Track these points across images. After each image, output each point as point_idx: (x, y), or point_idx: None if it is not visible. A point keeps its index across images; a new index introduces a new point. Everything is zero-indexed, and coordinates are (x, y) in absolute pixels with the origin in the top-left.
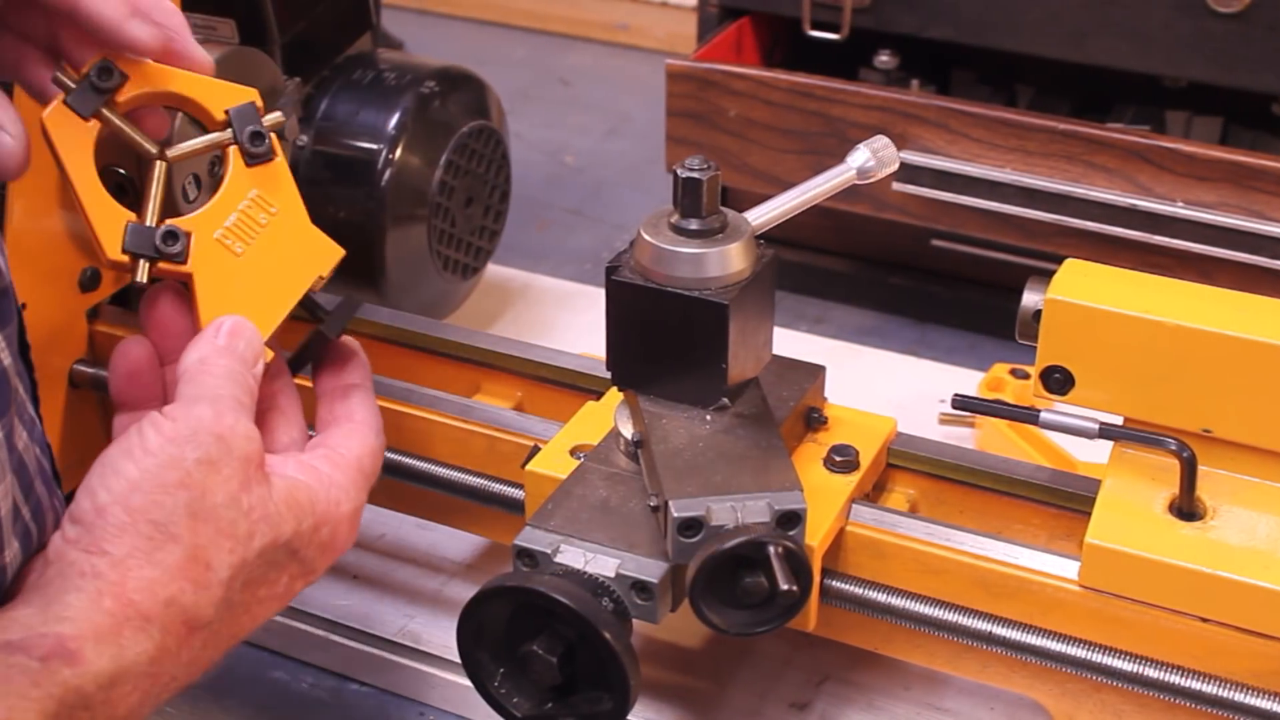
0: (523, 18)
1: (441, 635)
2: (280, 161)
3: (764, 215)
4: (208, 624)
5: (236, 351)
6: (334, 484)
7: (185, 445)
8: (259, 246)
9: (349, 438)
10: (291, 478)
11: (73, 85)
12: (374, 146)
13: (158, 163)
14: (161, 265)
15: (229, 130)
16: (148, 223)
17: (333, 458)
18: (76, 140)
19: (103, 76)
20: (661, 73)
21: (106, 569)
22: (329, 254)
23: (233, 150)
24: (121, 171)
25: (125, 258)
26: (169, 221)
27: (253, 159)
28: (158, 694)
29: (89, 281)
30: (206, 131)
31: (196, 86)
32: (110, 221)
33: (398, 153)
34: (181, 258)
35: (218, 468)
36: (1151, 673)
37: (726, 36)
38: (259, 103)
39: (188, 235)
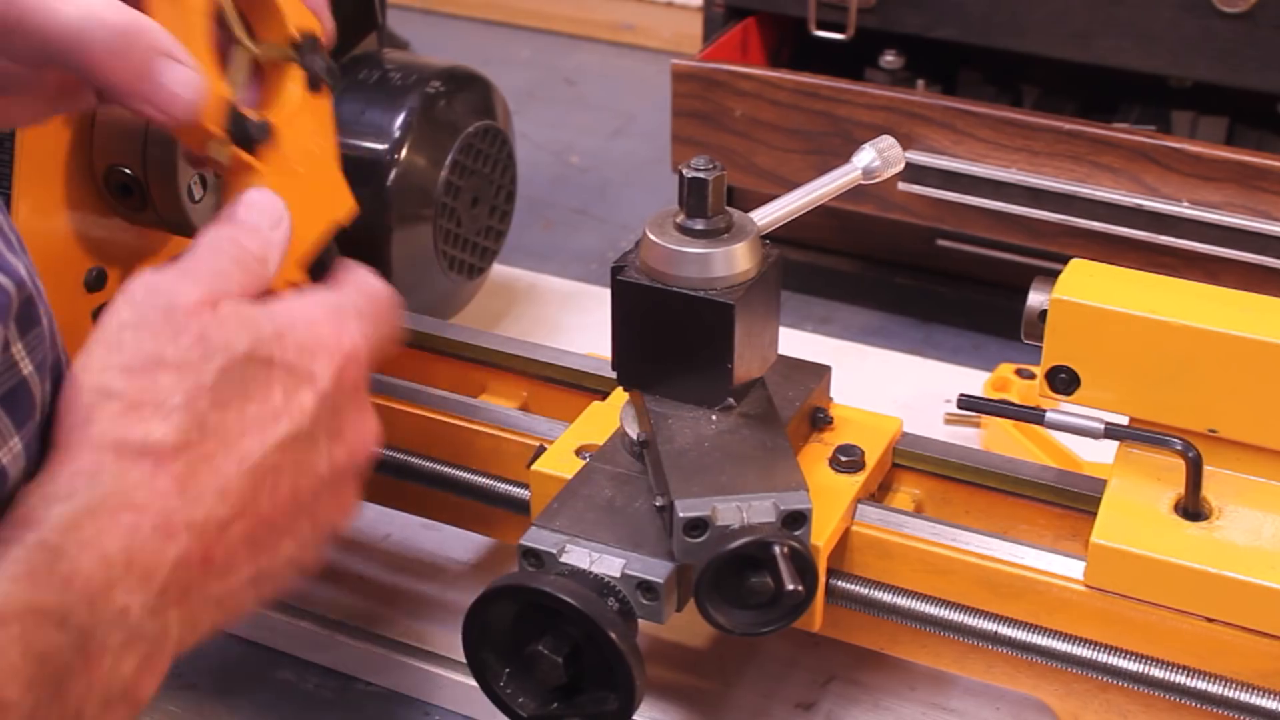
0: (528, 18)
1: (447, 635)
2: (329, 100)
3: (770, 215)
4: (179, 447)
5: (236, 219)
6: (294, 298)
7: (122, 310)
8: (306, 173)
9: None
10: (238, 302)
11: None
12: (379, 146)
13: (241, 51)
14: (241, 153)
15: (295, 51)
16: (234, 100)
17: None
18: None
19: None
20: (667, 73)
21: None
22: (347, 204)
23: (296, 75)
24: (126, 171)
25: (217, 131)
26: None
27: (315, 87)
28: (168, 527)
29: (95, 281)
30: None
31: None
32: (214, 87)
33: (403, 153)
34: (258, 145)
35: (143, 314)
36: (1157, 673)
37: (732, 36)
38: (321, 36)
39: (271, 131)
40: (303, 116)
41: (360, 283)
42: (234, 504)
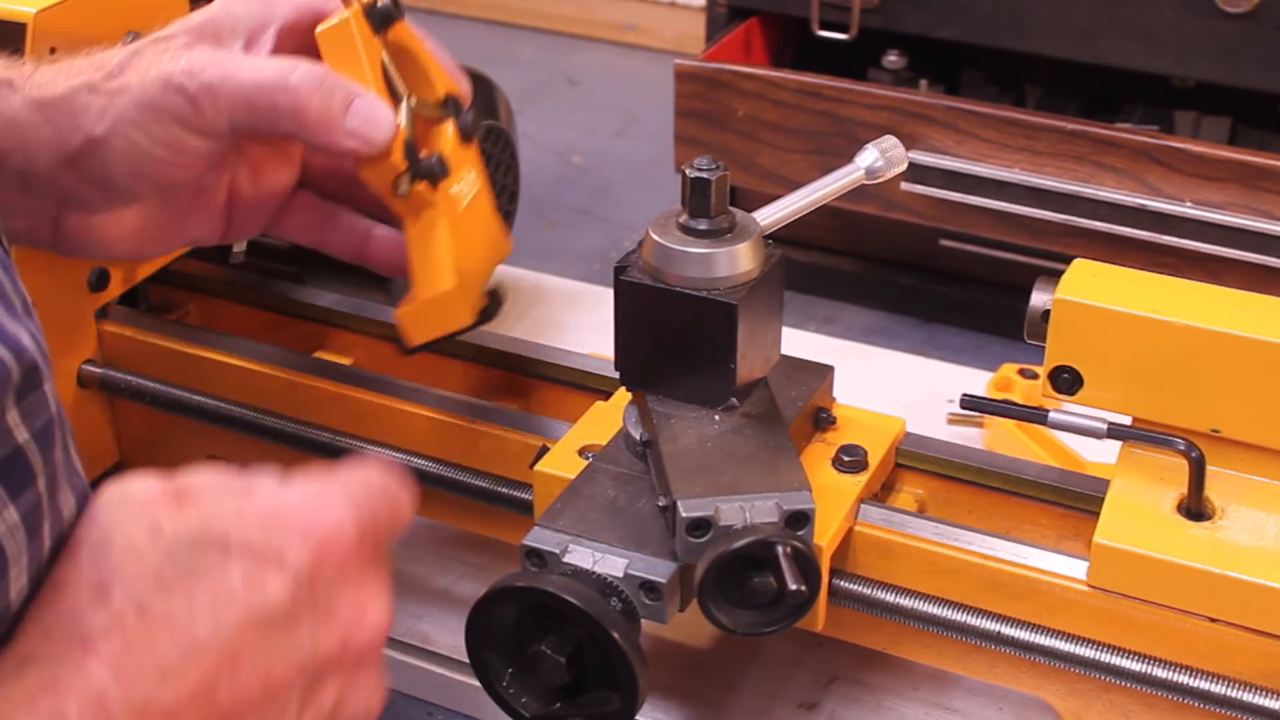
0: (531, 18)
1: (450, 635)
2: (477, 150)
3: (772, 215)
4: (111, 628)
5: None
6: (269, 484)
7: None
8: (470, 214)
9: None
10: (200, 490)
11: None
12: None
13: (404, 103)
14: (422, 188)
15: (444, 107)
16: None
17: None
18: (370, 48)
19: (398, 8)
20: (670, 73)
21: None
22: (506, 246)
23: (448, 127)
24: None
25: (401, 165)
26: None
27: (467, 138)
28: (99, 706)
29: (97, 281)
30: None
31: (429, 60)
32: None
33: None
34: (438, 179)
35: (102, 508)
36: (1160, 673)
37: (735, 36)
38: (462, 98)
39: (448, 165)
40: (459, 162)
41: (358, 469)
42: (180, 687)
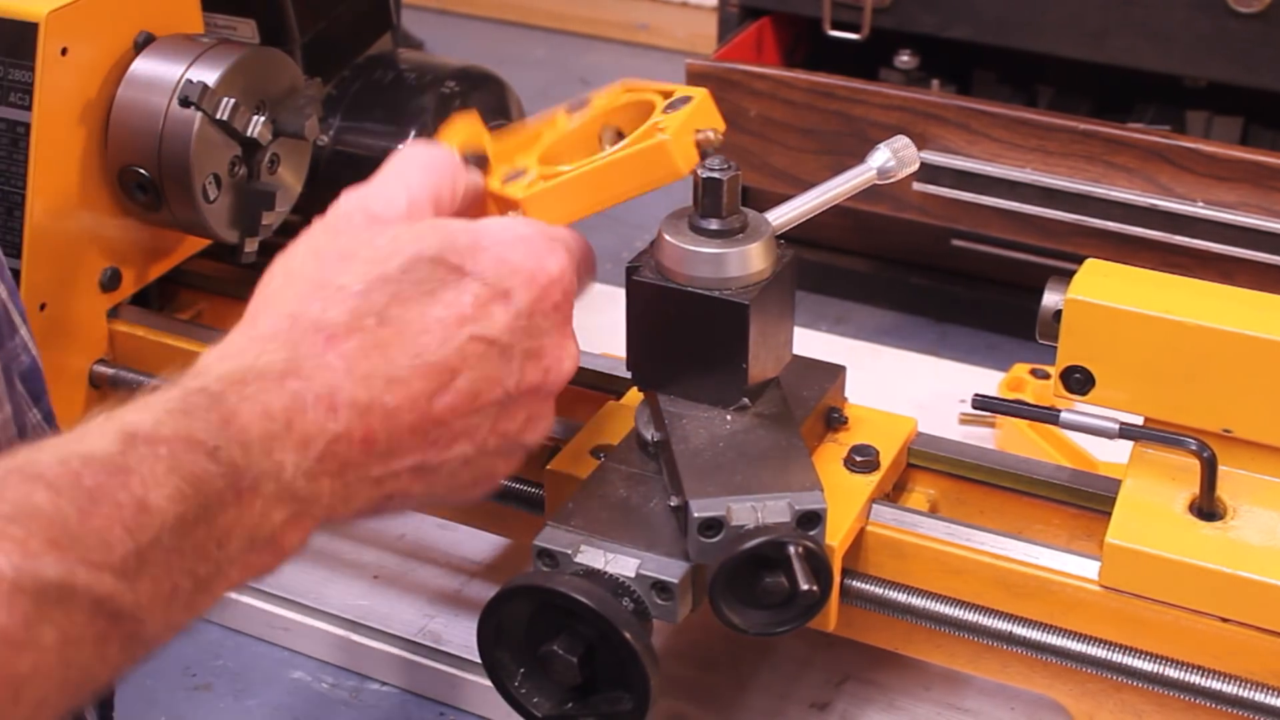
0: (543, 18)
1: (462, 635)
2: None
3: (784, 215)
4: (352, 329)
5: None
6: (500, 221)
7: (327, 215)
8: None
9: None
10: (439, 218)
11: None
12: (394, 146)
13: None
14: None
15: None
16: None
17: None
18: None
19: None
20: (681, 73)
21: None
22: None
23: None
24: (141, 171)
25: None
26: None
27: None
28: (330, 401)
29: (109, 281)
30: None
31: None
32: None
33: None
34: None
35: (348, 219)
36: (1172, 673)
37: (747, 36)
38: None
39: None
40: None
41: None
42: (403, 395)
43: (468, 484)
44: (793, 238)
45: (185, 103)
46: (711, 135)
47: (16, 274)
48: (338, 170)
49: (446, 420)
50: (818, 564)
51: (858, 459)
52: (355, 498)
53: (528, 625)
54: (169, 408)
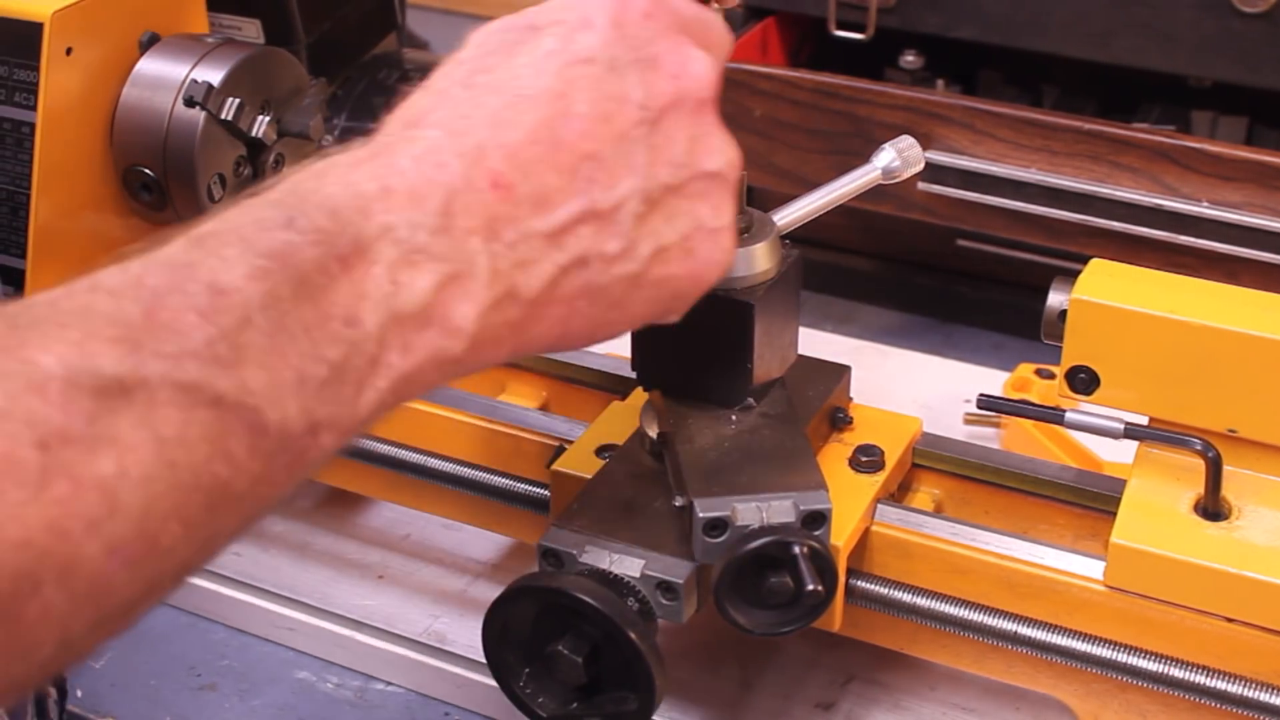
0: None
1: (467, 635)
2: None
3: (790, 215)
4: (433, 105)
5: None
6: None
7: None
8: None
9: None
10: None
11: None
12: None
13: None
14: None
15: None
16: None
17: None
18: None
19: None
20: None
21: None
22: None
23: None
24: (146, 171)
25: None
26: None
27: None
28: (431, 156)
29: None
30: None
31: None
32: None
33: None
34: None
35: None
36: (1177, 673)
37: (752, 36)
38: None
39: None
40: None
41: None
42: (515, 130)
43: (677, 241)
44: (798, 237)
45: (190, 103)
46: None
47: (21, 274)
48: None
49: (589, 151)
50: (823, 564)
51: (863, 459)
52: (535, 260)
53: (533, 625)
54: (233, 207)
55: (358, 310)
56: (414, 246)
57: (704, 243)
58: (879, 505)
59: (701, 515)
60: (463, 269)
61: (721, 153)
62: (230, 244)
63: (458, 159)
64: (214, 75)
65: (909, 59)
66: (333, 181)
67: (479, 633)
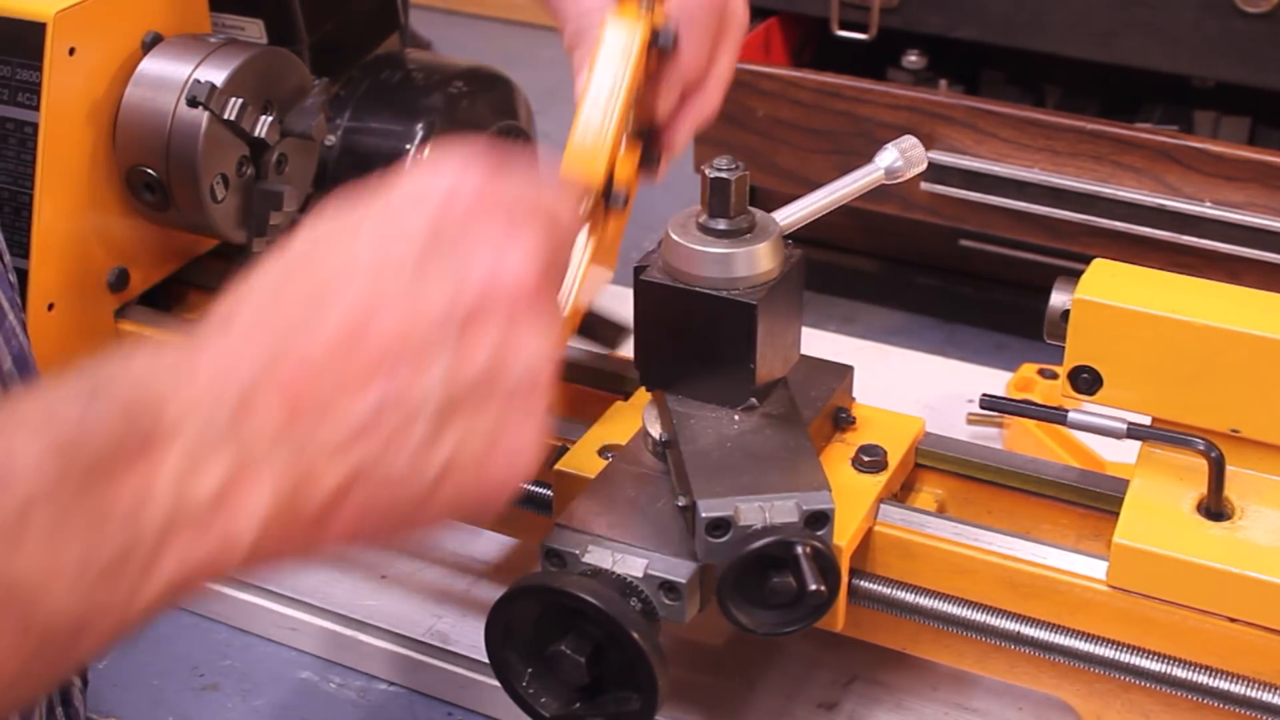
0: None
1: (469, 635)
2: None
3: (792, 215)
4: (243, 305)
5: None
6: None
7: None
8: (608, 233)
9: None
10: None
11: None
12: (402, 146)
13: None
14: (594, 214)
15: (646, 131)
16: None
17: None
18: (640, 64)
19: (674, 43)
20: None
21: None
22: (609, 272)
23: (636, 151)
24: (149, 171)
25: (595, 184)
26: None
27: (645, 164)
28: (224, 354)
29: (117, 282)
30: None
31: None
32: (613, 152)
33: (426, 152)
34: (612, 211)
35: None
36: (1179, 673)
37: (754, 37)
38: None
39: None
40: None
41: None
42: (315, 338)
43: (477, 450)
44: (800, 238)
45: (193, 103)
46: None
47: (24, 274)
48: (345, 170)
49: (383, 366)
50: (825, 564)
51: (865, 459)
52: (319, 472)
53: (535, 625)
54: (35, 392)
55: (140, 510)
56: (205, 447)
57: (507, 447)
58: (882, 505)
59: (704, 515)
60: (245, 478)
61: (534, 355)
62: (26, 422)
63: (253, 363)
64: (217, 75)
65: (912, 59)
66: (139, 368)
67: (482, 633)
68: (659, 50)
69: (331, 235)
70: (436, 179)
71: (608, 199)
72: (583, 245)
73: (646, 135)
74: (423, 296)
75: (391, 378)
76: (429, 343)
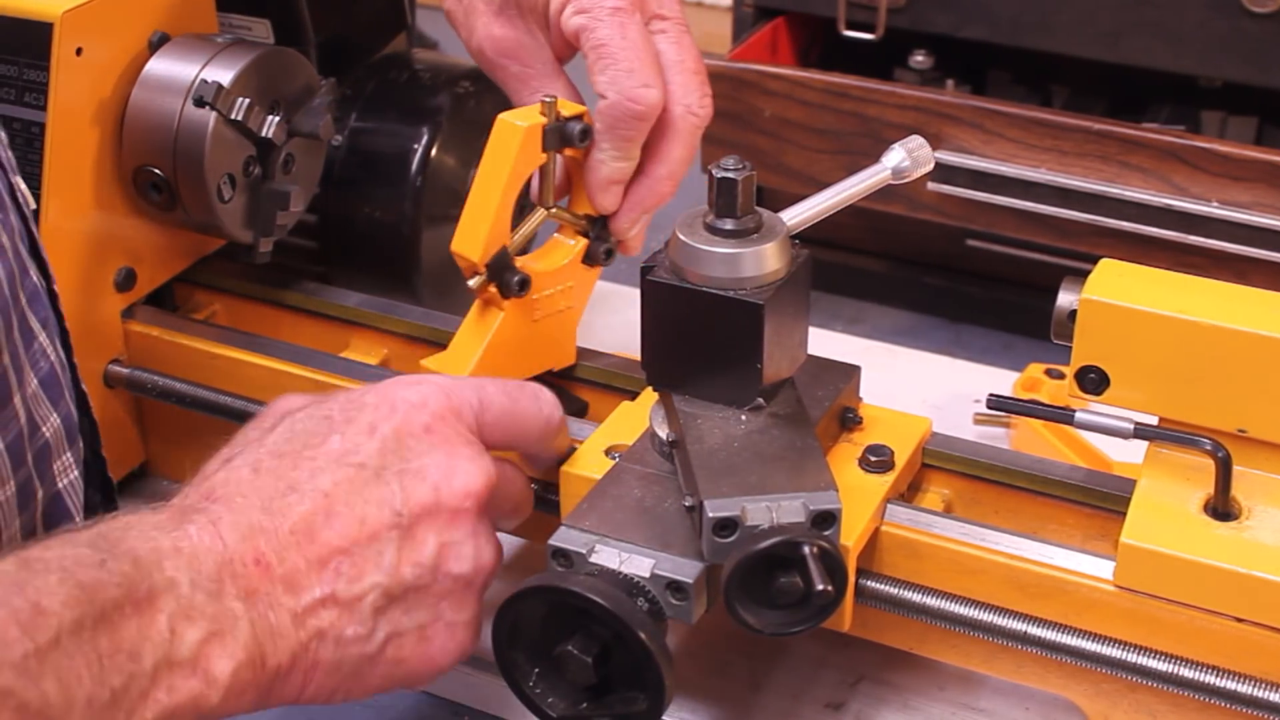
0: None
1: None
2: (597, 271)
3: (799, 215)
4: (227, 481)
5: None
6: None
7: None
8: (541, 325)
9: None
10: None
11: (556, 121)
12: (409, 146)
13: (540, 209)
14: (492, 291)
15: (588, 229)
16: (511, 249)
17: None
18: (526, 158)
19: (582, 137)
20: None
21: None
22: (568, 357)
23: (579, 244)
24: (156, 171)
25: (478, 263)
26: (523, 268)
27: (590, 263)
28: (213, 530)
29: (124, 281)
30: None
31: (591, 184)
32: (494, 234)
33: (433, 153)
34: (509, 295)
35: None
36: (1186, 673)
37: (761, 36)
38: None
39: (529, 287)
40: (566, 278)
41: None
42: (281, 519)
43: (414, 630)
44: (808, 238)
45: (200, 103)
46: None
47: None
48: (352, 170)
49: (340, 547)
50: (832, 564)
51: (872, 459)
52: (283, 633)
53: (542, 625)
54: (56, 539)
55: (141, 649)
56: (189, 603)
57: (439, 634)
58: (888, 505)
59: (711, 515)
60: (225, 629)
61: (471, 559)
62: (53, 571)
63: (231, 532)
64: (224, 75)
65: (918, 59)
66: (137, 535)
67: (489, 632)
68: (570, 144)
69: (306, 432)
70: (403, 394)
71: (500, 281)
72: (480, 324)
73: (597, 224)
74: (380, 493)
75: (347, 559)
76: (381, 532)
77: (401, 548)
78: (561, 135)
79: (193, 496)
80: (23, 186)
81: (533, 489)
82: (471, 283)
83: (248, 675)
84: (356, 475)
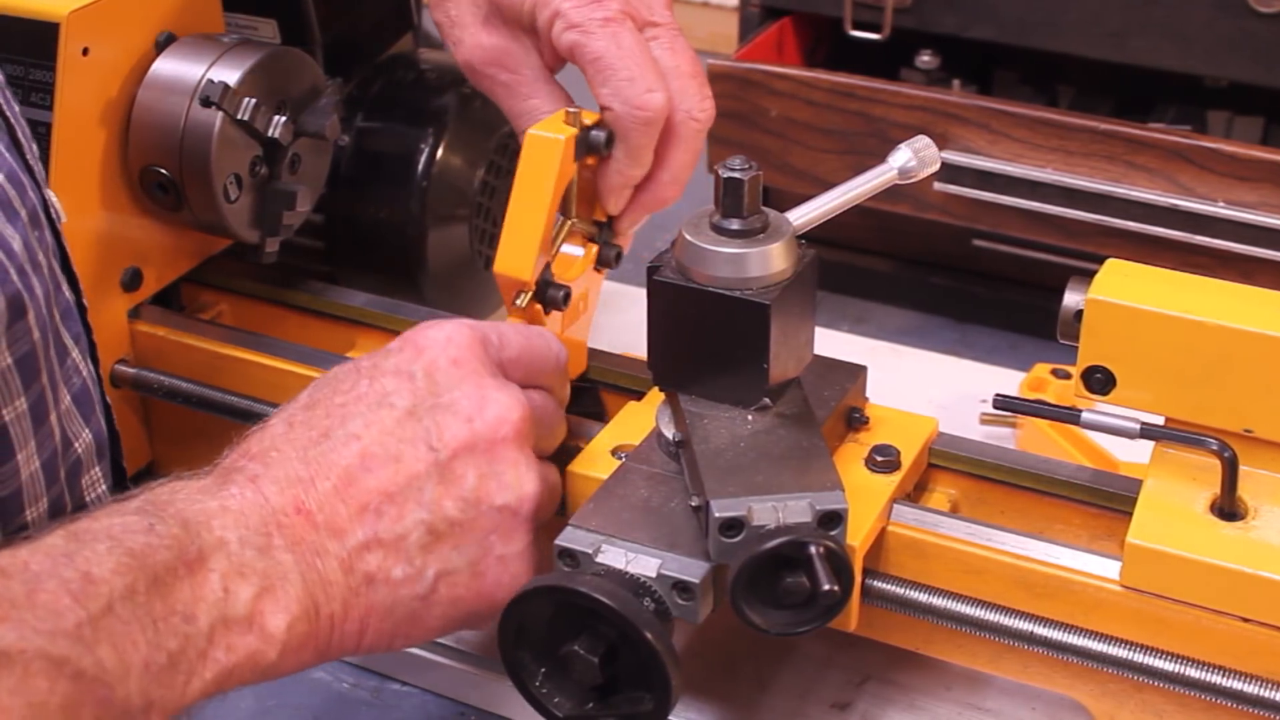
0: None
1: (482, 635)
2: (604, 274)
3: (805, 215)
4: (260, 438)
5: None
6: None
7: None
8: (567, 335)
9: None
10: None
11: (583, 130)
12: (415, 147)
13: (568, 221)
14: (535, 307)
15: (597, 234)
16: (550, 261)
17: None
18: (564, 171)
19: (608, 144)
20: None
21: None
22: (581, 365)
23: (591, 250)
24: (162, 171)
25: (529, 282)
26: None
27: (602, 267)
28: (254, 486)
29: (130, 281)
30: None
31: (605, 189)
32: (537, 250)
33: (439, 153)
34: (552, 310)
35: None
36: (1193, 673)
37: (768, 36)
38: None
39: (570, 299)
40: (583, 285)
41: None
42: (319, 466)
43: (465, 566)
44: (814, 238)
45: (206, 103)
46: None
47: None
48: (358, 170)
49: (378, 488)
50: (839, 564)
51: (879, 459)
52: (332, 580)
53: (549, 625)
54: (104, 509)
55: (195, 610)
56: (242, 560)
57: (492, 569)
58: (895, 505)
59: (717, 515)
60: (276, 583)
61: (513, 489)
62: (101, 540)
63: (270, 486)
64: (230, 75)
65: (925, 59)
66: (184, 498)
67: (495, 633)
68: (595, 152)
69: (338, 383)
70: (427, 334)
71: (543, 298)
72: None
73: (604, 229)
74: (413, 430)
75: (387, 500)
76: (419, 470)
77: (441, 483)
78: (588, 144)
79: (232, 457)
80: (54, 199)
81: (565, 414)
82: (519, 301)
83: (303, 628)
84: (389, 415)
